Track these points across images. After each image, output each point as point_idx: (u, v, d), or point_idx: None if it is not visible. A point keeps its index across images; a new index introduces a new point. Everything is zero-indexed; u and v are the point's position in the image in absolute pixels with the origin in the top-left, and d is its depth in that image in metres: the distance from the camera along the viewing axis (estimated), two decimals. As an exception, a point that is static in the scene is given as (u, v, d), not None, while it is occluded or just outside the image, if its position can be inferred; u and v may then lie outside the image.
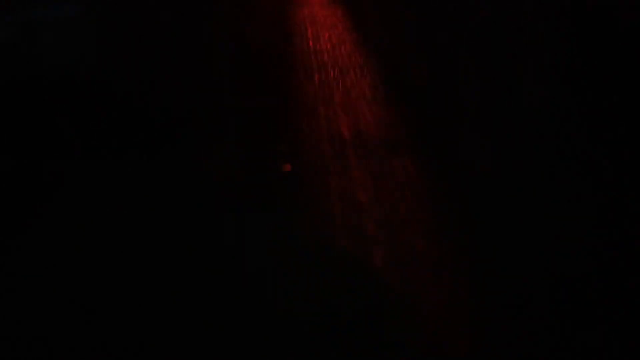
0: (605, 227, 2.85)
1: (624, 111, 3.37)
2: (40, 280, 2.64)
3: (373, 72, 4.68)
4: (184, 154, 3.60)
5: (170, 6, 7.34)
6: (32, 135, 3.86)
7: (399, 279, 2.60)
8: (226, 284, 2.55)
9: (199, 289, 2.53)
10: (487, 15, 4.92)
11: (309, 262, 2.69)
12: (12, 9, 7.24)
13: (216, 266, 2.67)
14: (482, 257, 2.78)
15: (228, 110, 4.27)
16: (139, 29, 6.24)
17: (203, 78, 4.89)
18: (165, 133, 3.84)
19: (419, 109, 4.05)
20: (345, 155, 3.69)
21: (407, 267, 2.66)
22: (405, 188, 3.29)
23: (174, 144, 3.70)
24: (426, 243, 2.81)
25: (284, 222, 2.96)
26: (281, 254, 2.73)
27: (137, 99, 4.40)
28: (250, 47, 5.59)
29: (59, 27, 6.43)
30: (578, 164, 3.30)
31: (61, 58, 5.20)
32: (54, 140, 3.81)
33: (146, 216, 3.01)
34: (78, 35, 6.01)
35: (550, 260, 2.71)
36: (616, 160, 3.19)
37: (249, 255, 2.74)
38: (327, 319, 2.37)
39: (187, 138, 3.82)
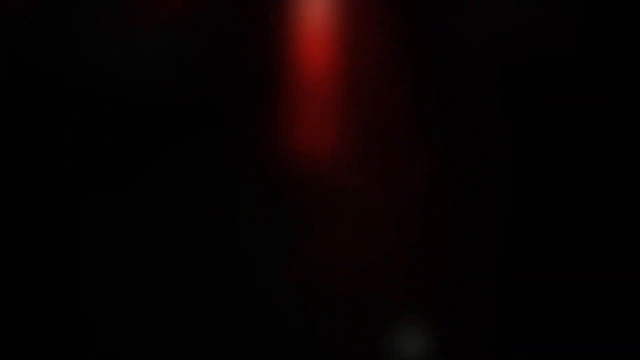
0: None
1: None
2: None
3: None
4: (209, 147, 3.53)
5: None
6: (76, 130, 3.83)
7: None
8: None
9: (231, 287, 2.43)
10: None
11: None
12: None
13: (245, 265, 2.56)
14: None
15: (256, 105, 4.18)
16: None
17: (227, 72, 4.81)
18: (191, 126, 3.76)
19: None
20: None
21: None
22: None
23: (201, 136, 3.61)
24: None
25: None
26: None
27: (165, 92, 4.35)
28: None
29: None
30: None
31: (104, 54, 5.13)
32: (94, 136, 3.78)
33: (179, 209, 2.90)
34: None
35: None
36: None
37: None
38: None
39: (214, 130, 3.74)
